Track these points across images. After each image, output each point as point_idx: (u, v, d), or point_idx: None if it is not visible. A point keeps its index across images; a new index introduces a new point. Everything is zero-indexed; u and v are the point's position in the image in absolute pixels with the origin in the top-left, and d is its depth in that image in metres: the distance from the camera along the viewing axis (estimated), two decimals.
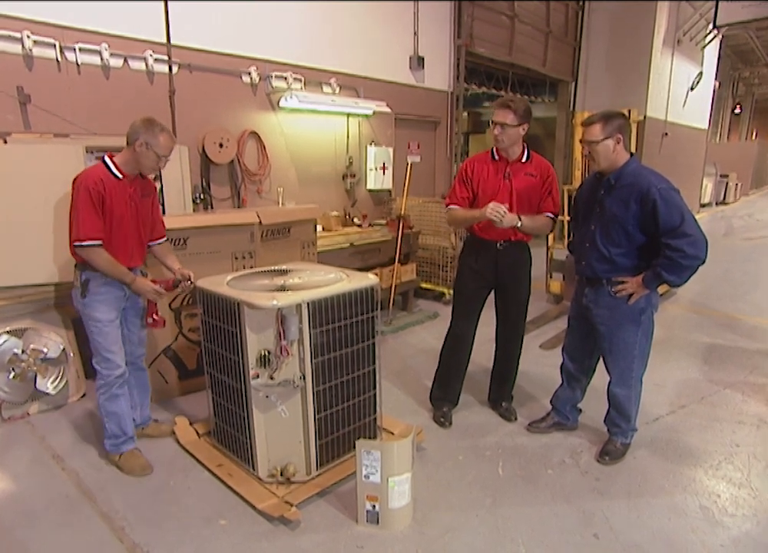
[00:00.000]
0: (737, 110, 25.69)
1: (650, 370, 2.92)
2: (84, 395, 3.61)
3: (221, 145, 4.68)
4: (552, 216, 3.06)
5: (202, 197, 4.68)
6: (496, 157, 3.05)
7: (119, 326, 2.75)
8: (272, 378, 2.44)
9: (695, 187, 14.16)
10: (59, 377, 3.47)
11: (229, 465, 2.75)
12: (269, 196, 5.21)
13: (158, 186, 4.17)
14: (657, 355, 4.29)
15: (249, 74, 4.88)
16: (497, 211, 2.79)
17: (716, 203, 17.77)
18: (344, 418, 2.68)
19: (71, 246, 2.60)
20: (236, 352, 2.49)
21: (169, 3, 4.29)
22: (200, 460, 2.84)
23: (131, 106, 4.18)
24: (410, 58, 6.49)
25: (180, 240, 3.47)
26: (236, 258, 3.68)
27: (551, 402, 3.27)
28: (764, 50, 18.53)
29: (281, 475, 2.57)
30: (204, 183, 4.73)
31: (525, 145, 3.03)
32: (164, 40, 4.32)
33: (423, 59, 6.54)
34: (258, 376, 2.44)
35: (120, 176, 2.62)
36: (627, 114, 5.13)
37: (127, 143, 2.61)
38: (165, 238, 3.00)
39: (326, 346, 2.50)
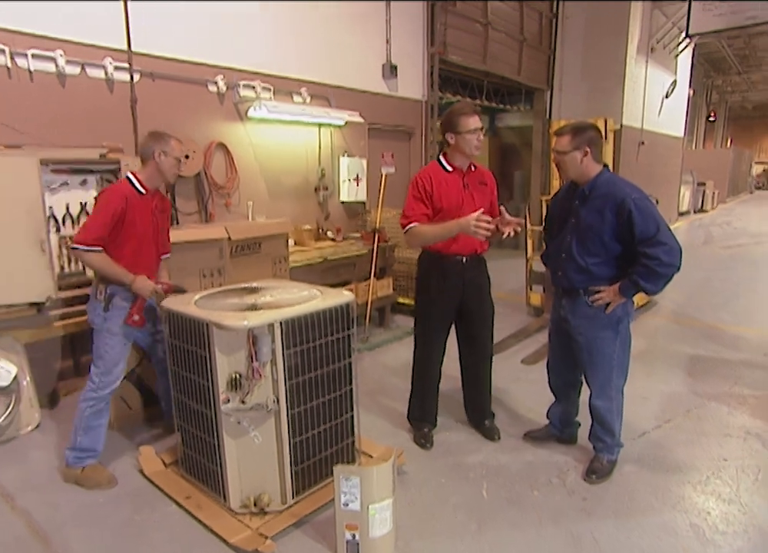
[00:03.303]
0: (711, 118, 26.53)
1: (634, 383, 2.96)
2: (38, 425, 3.49)
3: (187, 157, 4.63)
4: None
5: None
6: (449, 169, 3.04)
7: (128, 342, 2.93)
8: (243, 402, 2.39)
9: (673, 196, 14.53)
10: (9, 407, 3.35)
11: (198, 496, 2.68)
12: (238, 210, 5.17)
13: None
14: (641, 368, 4.36)
15: (216, 83, 4.87)
16: (483, 223, 2.67)
17: (694, 211, 18.24)
18: (320, 443, 2.65)
19: (71, 248, 2.84)
20: (205, 376, 2.44)
21: (129, 8, 4.25)
22: (167, 492, 2.76)
23: (90, 116, 4.12)
24: (383, 67, 6.55)
25: None
26: (204, 276, 3.63)
27: (547, 415, 3.30)
28: (736, 58, 19.30)
29: (254, 505, 2.51)
30: (169, 197, 4.67)
31: None
32: (125, 46, 4.28)
33: (396, 67, 6.61)
34: (229, 401, 2.40)
35: (143, 191, 2.88)
36: (603, 123, 5.32)
37: (144, 159, 2.90)
38: (169, 254, 3.22)
39: (301, 366, 2.47)
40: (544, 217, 6.05)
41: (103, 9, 4.13)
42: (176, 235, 3.58)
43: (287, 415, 2.45)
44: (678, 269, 2.59)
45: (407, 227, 2.98)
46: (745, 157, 27.47)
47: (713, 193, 19.86)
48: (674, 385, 4.17)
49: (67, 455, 2.90)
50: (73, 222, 4.00)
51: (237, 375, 2.37)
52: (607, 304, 2.76)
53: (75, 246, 2.73)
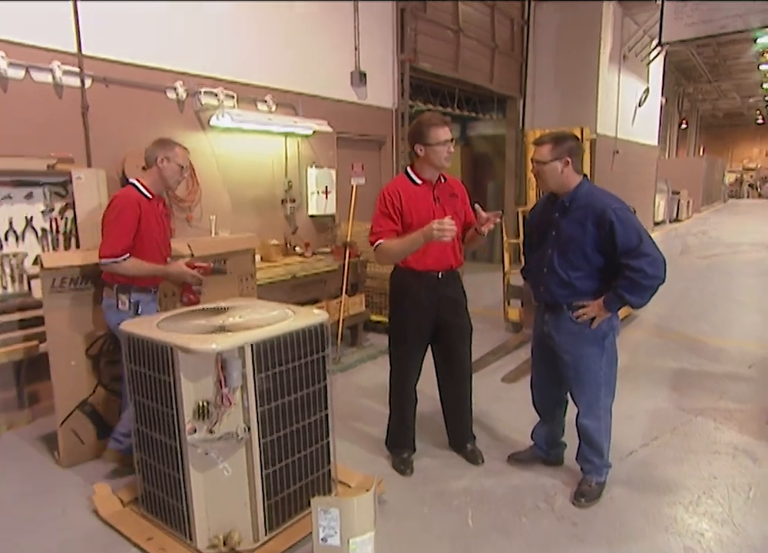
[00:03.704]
0: (684, 126, 27.47)
1: (619, 400, 2.99)
2: None
3: (144, 168, 4.53)
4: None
5: None
6: (418, 181, 3.04)
7: None
8: (211, 432, 2.33)
9: (648, 205, 14.91)
10: None
11: (161, 537, 2.58)
12: (200, 224, 5.09)
13: (71, 215, 4.05)
14: (624, 384, 4.39)
15: (175, 89, 4.82)
16: (445, 228, 2.61)
17: (670, 221, 18.76)
18: (295, 473, 2.59)
19: (101, 264, 2.96)
20: (169, 404, 2.37)
21: (79, 7, 4.16)
22: (125, 534, 2.64)
23: (36, 123, 4.02)
24: (351, 74, 6.59)
25: (99, 276, 3.30)
26: (166, 295, 3.55)
27: (531, 437, 3.30)
28: (706, 66, 20.07)
29: (224, 544, 2.44)
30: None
31: None
32: (74, 49, 4.19)
33: (365, 75, 6.66)
34: (195, 431, 2.33)
35: (150, 196, 3.07)
36: (579, 132, 5.44)
37: (148, 165, 3.10)
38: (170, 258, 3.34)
39: (273, 391, 2.43)
40: (521, 229, 6.19)
41: (49, 8, 4.03)
42: None
43: (259, 444, 2.39)
44: (663, 280, 2.63)
45: (375, 244, 2.96)
46: (718, 166, 28.46)
47: (688, 202, 20.49)
48: (659, 400, 4.24)
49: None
50: (17, 238, 3.88)
51: (205, 403, 2.31)
52: (592, 319, 2.79)
53: (104, 261, 2.92)
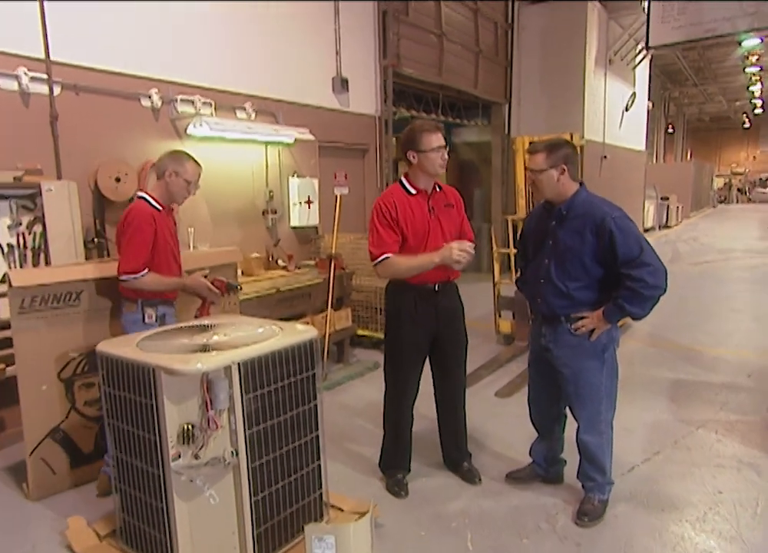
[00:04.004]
0: (670, 130, 27.97)
1: (617, 412, 2.99)
2: None
3: (118, 180, 4.51)
4: (472, 243, 3.14)
5: (96, 241, 4.46)
6: (413, 191, 3.04)
7: None
8: (197, 457, 2.28)
9: (637, 211, 15.12)
10: None
11: None
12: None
13: (40, 229, 3.99)
14: (621, 396, 4.32)
15: (150, 97, 4.78)
16: (466, 251, 2.76)
17: (659, 227, 19.02)
18: (285, 498, 2.55)
19: (119, 281, 3.03)
20: (151, 429, 2.32)
21: (46, 10, 4.11)
22: None
23: (1, 133, 3.95)
24: (333, 80, 6.61)
25: (71, 295, 3.26)
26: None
27: (529, 454, 3.29)
28: (691, 70, 20.50)
29: None
30: (98, 226, 4.51)
31: None
32: (42, 55, 4.14)
33: (347, 81, 6.68)
34: (180, 456, 2.28)
35: (160, 208, 3.13)
36: (569, 138, 5.49)
37: (158, 176, 3.16)
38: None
39: (262, 413, 2.39)
40: (511, 238, 6.22)
41: (14, 10, 3.96)
42: (108, 268, 3.45)
43: (247, 468, 2.35)
44: (664, 291, 2.64)
45: (379, 259, 2.94)
46: (706, 170, 29.02)
47: (677, 207, 20.81)
48: (658, 412, 4.26)
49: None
50: None
51: (189, 427, 2.27)
52: (592, 331, 2.79)
53: (124, 278, 2.99)
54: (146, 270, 3.00)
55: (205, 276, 3.32)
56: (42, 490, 3.23)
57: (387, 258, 2.93)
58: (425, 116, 9.09)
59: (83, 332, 3.32)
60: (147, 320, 3.09)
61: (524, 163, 6.24)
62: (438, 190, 3.11)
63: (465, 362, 3.32)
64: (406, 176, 3.08)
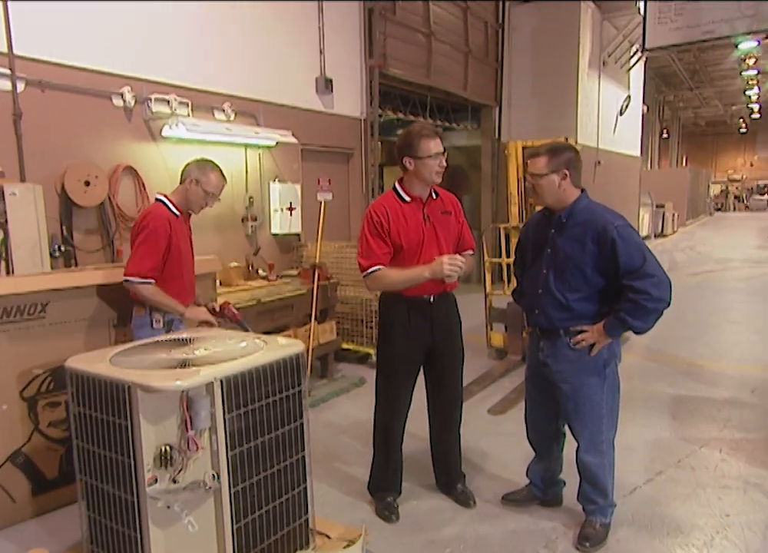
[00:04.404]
0: (665, 135, 28.39)
1: (617, 431, 2.99)
2: None
3: (87, 183, 4.46)
4: (473, 251, 3.22)
5: (62, 249, 4.40)
6: (407, 198, 3.05)
7: None
8: (175, 481, 2.24)
9: (632, 219, 15.27)
10: None
11: None
12: None
13: (2, 236, 3.93)
14: (621, 413, 4.41)
15: (122, 95, 4.73)
16: (457, 265, 2.77)
17: (655, 236, 19.25)
18: (269, 525, 2.51)
19: (125, 281, 3.09)
20: (125, 452, 2.27)
21: (9, 0, 4.04)
22: None
23: None
24: (316, 80, 6.62)
25: (35, 306, 3.21)
26: (116, 326, 3.49)
27: (526, 474, 3.29)
28: (686, 73, 20.85)
29: None
30: (65, 232, 4.45)
31: None
32: (5, 48, 4.08)
33: (331, 81, 6.69)
34: (156, 481, 2.24)
35: (178, 213, 3.25)
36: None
37: (180, 181, 3.27)
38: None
39: (245, 432, 2.36)
40: (503, 247, 6.24)
41: None
42: (76, 278, 3.46)
43: (230, 493, 2.31)
44: (668, 304, 2.65)
45: (369, 271, 2.95)
46: (702, 177, 29.45)
47: (673, 215, 21.08)
48: (660, 430, 4.28)
49: None
50: None
51: (167, 448, 2.22)
52: (592, 345, 2.80)
53: (128, 278, 3.05)
54: (151, 280, 3.08)
55: (222, 306, 3.48)
56: (1, 520, 3.15)
57: (377, 270, 2.94)
58: (412, 119, 9.15)
59: (49, 347, 3.27)
60: (154, 325, 3.18)
61: (517, 169, 6.36)
62: (434, 196, 3.12)
63: (462, 378, 3.32)
64: (400, 182, 3.08)
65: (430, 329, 3.09)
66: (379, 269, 2.93)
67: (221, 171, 3.31)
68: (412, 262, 2.97)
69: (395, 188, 3.08)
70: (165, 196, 3.27)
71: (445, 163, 2.98)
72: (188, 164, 3.28)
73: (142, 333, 3.15)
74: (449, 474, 3.40)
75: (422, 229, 3.01)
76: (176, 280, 3.21)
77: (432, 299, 3.06)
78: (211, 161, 3.33)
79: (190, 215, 3.40)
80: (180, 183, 3.28)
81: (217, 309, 3.47)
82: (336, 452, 4.04)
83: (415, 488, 3.46)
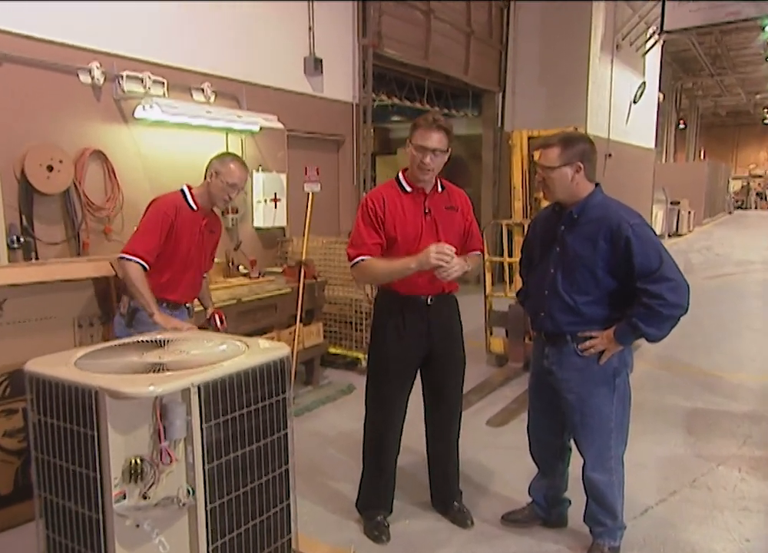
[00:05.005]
0: (681, 126, 28.51)
1: (627, 446, 3.00)
2: None
3: (51, 168, 4.43)
4: (481, 253, 3.22)
5: (21, 240, 4.37)
6: (408, 189, 3.07)
7: None
8: (146, 497, 2.23)
9: (644, 217, 15.36)
10: None
11: None
12: (121, 238, 4.93)
13: None
14: (632, 426, 4.43)
15: (90, 71, 4.70)
16: (445, 254, 2.74)
17: (669, 235, 19.37)
18: (249, 545, 2.50)
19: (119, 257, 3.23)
20: (91, 465, 2.25)
21: None
22: None
23: None
24: (305, 60, 6.62)
25: None
26: (81, 326, 3.49)
27: (528, 492, 3.29)
28: (707, 58, 20.90)
29: None
30: (25, 222, 4.42)
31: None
32: None
33: (321, 62, 6.69)
34: (125, 496, 2.22)
35: (195, 207, 3.39)
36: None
37: (204, 177, 3.43)
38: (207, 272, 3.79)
39: (224, 443, 2.35)
40: (505, 245, 6.26)
41: None
42: (37, 272, 3.46)
43: (206, 510, 2.30)
44: (686, 310, 2.65)
45: (355, 260, 2.97)
46: (722, 172, 29.62)
47: (689, 213, 21.21)
48: (673, 446, 4.31)
49: None
50: None
51: (138, 461, 2.20)
52: (601, 353, 2.80)
53: (122, 255, 3.18)
54: (142, 261, 3.17)
55: (213, 313, 3.76)
56: None
57: (362, 260, 2.95)
58: (408, 105, 9.15)
59: (6, 349, 3.25)
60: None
61: (521, 161, 6.38)
62: (439, 190, 3.12)
63: (462, 387, 3.33)
64: (404, 171, 3.11)
65: (426, 331, 3.10)
66: (365, 259, 2.95)
67: (243, 163, 3.46)
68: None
69: (397, 177, 3.11)
70: (189, 187, 3.44)
71: (430, 161, 2.92)
72: (211, 160, 3.44)
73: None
74: (445, 491, 3.41)
75: (421, 222, 3.02)
76: (169, 272, 3.33)
77: (429, 300, 3.06)
78: (232, 153, 3.55)
79: (215, 214, 3.61)
80: (204, 178, 3.44)
81: (208, 316, 3.69)
82: (321, 465, 4.04)
83: (408, 506, 3.47)
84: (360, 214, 3.04)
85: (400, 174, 3.11)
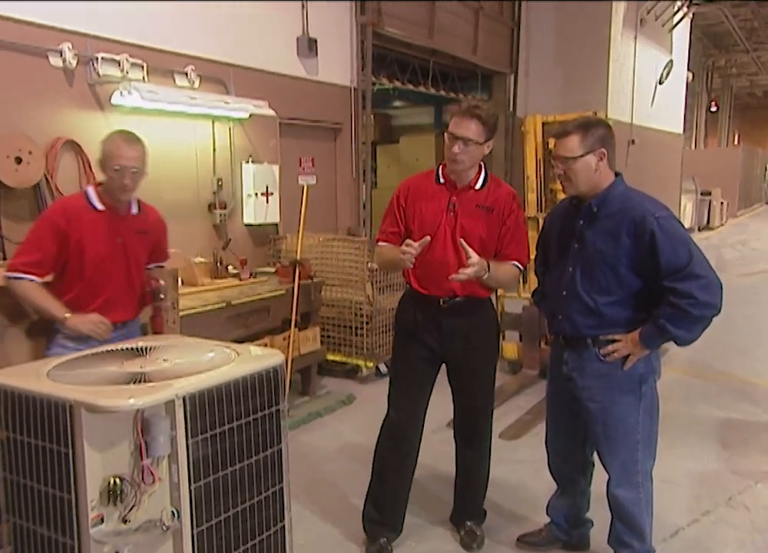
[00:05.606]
0: (713, 108, 28.42)
1: (656, 461, 3.00)
2: None
3: (19, 160, 4.45)
4: (520, 266, 3.16)
5: None
6: (441, 180, 3.11)
7: None
8: (126, 521, 2.24)
9: (672, 209, 15.34)
10: None
11: None
12: None
13: None
14: (660, 439, 4.42)
15: (62, 53, 4.71)
16: (411, 254, 2.82)
17: (699, 229, 19.36)
18: None
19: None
20: (65, 486, 2.26)
21: None
22: None
23: None
24: (298, 41, 6.63)
25: None
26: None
27: (547, 512, 3.29)
28: (742, 32, 20.70)
29: None
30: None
31: (483, 167, 3.12)
32: None
33: (315, 42, 6.71)
34: (103, 520, 2.23)
35: (99, 207, 3.08)
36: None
37: None
38: (164, 264, 3.53)
39: (212, 461, 2.35)
40: (529, 242, 6.23)
41: None
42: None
43: (192, 534, 2.31)
44: (719, 310, 2.64)
45: (377, 245, 3.29)
46: (758, 158, 29.54)
47: (721, 204, 21.18)
48: (706, 461, 4.30)
49: None
50: None
51: (117, 481, 2.21)
52: (626, 358, 2.79)
53: (8, 275, 2.98)
54: (29, 276, 2.96)
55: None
56: None
57: (379, 245, 3.24)
58: (411, 88, 9.14)
59: None
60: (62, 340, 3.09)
61: (535, 149, 6.36)
62: (478, 186, 3.09)
63: (488, 396, 3.34)
64: (444, 161, 3.15)
65: (439, 336, 3.13)
66: (380, 245, 3.23)
67: (132, 137, 3.05)
68: (424, 252, 2.95)
69: (437, 168, 3.17)
70: (97, 185, 3.18)
71: (459, 151, 2.92)
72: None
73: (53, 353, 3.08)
74: (462, 506, 3.44)
75: (441, 218, 3.04)
76: (80, 284, 3.08)
77: (441, 302, 3.08)
78: (120, 130, 3.14)
79: (147, 210, 3.31)
80: None
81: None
82: (319, 483, 4.05)
83: (426, 525, 3.51)
84: (390, 201, 3.23)
85: (441, 165, 3.16)
